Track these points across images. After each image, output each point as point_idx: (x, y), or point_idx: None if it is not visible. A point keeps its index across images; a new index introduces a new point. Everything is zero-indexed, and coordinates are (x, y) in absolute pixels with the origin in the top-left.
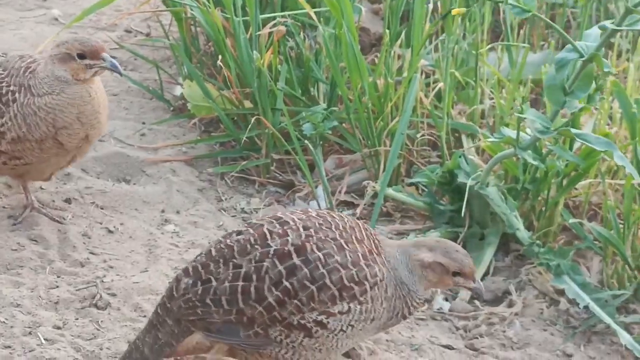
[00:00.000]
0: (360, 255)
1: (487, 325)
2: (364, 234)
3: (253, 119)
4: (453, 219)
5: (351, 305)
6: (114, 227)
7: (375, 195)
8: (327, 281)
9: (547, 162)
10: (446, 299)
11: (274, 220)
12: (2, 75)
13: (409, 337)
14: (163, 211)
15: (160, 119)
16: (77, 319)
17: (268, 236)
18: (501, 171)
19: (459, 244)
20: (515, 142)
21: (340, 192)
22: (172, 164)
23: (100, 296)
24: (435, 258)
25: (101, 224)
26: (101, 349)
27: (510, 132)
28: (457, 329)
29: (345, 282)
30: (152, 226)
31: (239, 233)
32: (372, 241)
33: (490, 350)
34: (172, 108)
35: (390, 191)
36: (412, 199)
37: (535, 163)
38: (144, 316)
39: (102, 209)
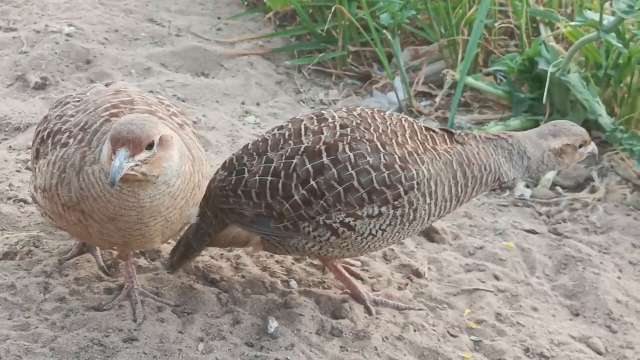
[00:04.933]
0: (397, 157)
1: (569, 211)
2: (413, 133)
3: (333, 9)
4: (533, 107)
5: (382, 209)
6: (197, 118)
7: (453, 85)
8: (355, 183)
9: (631, 47)
10: (527, 186)
11: (314, 117)
12: None
13: (492, 222)
14: (243, 103)
15: (235, 13)
16: None
17: (303, 132)
18: (582, 58)
19: None
20: (598, 24)
21: (417, 82)
22: (249, 58)
23: None
24: (563, 141)
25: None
26: None
27: (593, 15)
28: (540, 214)
29: (376, 185)
30: (233, 117)
31: (280, 128)
32: (423, 140)
33: (573, 234)
34: (246, 2)
35: (470, 80)
36: (491, 88)
37: (618, 46)
38: None
39: (183, 101)
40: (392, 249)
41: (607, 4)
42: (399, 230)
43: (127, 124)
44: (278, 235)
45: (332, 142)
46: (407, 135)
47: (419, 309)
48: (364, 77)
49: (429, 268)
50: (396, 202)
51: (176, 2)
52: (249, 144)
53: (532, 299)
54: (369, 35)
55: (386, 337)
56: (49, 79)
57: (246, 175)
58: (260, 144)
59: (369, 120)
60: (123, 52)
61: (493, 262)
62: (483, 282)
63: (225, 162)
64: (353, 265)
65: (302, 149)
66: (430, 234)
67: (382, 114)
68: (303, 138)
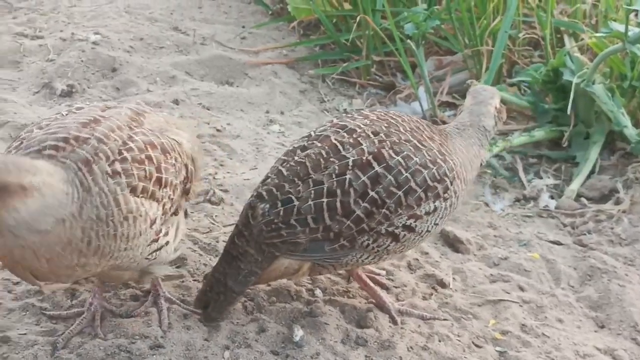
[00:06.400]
0: (436, 152)
1: (594, 222)
2: (430, 129)
3: (357, 18)
4: (557, 118)
5: (436, 203)
6: (222, 126)
7: None
8: (413, 184)
9: None
10: (552, 197)
11: (339, 130)
12: None
13: (516, 233)
14: (267, 112)
15: (260, 22)
16: (192, 212)
17: (340, 147)
18: (607, 69)
19: (564, 143)
20: (624, 35)
21: (441, 92)
22: (273, 67)
23: (214, 192)
24: (498, 99)
25: (209, 123)
26: (217, 242)
27: (618, 26)
28: (565, 225)
29: (429, 182)
30: (257, 126)
31: (304, 148)
32: (439, 134)
33: (598, 246)
34: (270, 12)
35: None
36: (516, 98)
37: None
38: None
39: (208, 109)
40: (417, 259)
41: (632, 15)
42: (445, 221)
43: None
44: (332, 256)
45: (376, 150)
46: (427, 130)
47: (444, 319)
48: (387, 86)
49: (453, 278)
50: (445, 195)
51: (201, 11)
52: (280, 170)
53: (557, 311)
54: (393, 45)
55: (411, 347)
56: (75, 86)
57: (296, 203)
58: (298, 168)
59: (392, 122)
60: (148, 60)
61: (518, 273)
62: (508, 292)
63: (261, 193)
64: (378, 274)
65: (350, 164)
66: (455, 244)
67: (393, 114)
68: (344, 153)
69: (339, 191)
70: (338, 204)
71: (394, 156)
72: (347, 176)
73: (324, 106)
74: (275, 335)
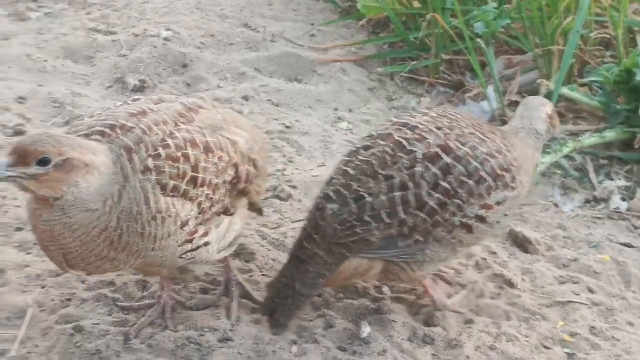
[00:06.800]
0: (499, 142)
1: None
2: (488, 126)
3: (427, 17)
4: (629, 119)
5: (505, 192)
6: (290, 123)
7: (548, 95)
8: (483, 173)
9: None
10: (623, 199)
11: (401, 127)
12: None
13: (586, 234)
14: (336, 109)
15: (329, 19)
16: None
17: (405, 143)
18: None
19: (636, 145)
20: None
21: (511, 92)
22: (342, 64)
23: (282, 188)
24: (550, 106)
25: (277, 120)
26: (285, 237)
27: None
28: (635, 227)
29: (498, 170)
30: (326, 123)
31: (367, 147)
32: (497, 131)
33: None
34: (339, 9)
35: (565, 90)
36: (587, 99)
37: None
38: None
39: (277, 106)
40: (485, 258)
41: None
42: (512, 213)
43: (29, 136)
44: (406, 252)
45: (443, 143)
46: (485, 126)
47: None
48: (456, 85)
49: (522, 279)
50: (513, 184)
51: (271, 8)
52: (346, 170)
53: (627, 314)
54: (463, 44)
55: (478, 347)
56: (147, 81)
57: (369, 199)
58: (365, 166)
59: (453, 118)
60: (218, 56)
61: (587, 275)
62: (577, 294)
63: (328, 194)
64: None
65: (419, 156)
66: (523, 245)
67: (452, 112)
68: (411, 147)
69: (410, 184)
70: (411, 197)
71: (461, 147)
72: (417, 168)
73: (392, 104)
74: (342, 331)
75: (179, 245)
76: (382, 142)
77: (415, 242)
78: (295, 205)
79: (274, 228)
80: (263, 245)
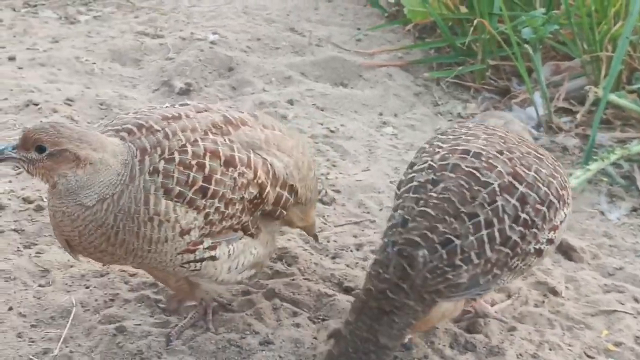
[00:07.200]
0: (551, 160)
1: None
2: (517, 135)
3: (474, 22)
4: None
5: (565, 210)
6: (335, 127)
7: (595, 101)
8: (551, 197)
9: None
10: None
11: (464, 155)
12: None
13: (633, 243)
14: (381, 114)
15: (375, 24)
16: None
17: (477, 174)
18: None
19: None
20: None
21: (558, 98)
22: (387, 69)
23: (326, 192)
24: None
25: (322, 124)
26: (328, 242)
27: None
28: None
29: (560, 190)
30: (371, 128)
31: (435, 182)
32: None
33: None
34: (386, 14)
35: (613, 97)
36: (635, 106)
37: None
38: (367, 212)
39: (322, 110)
40: None
41: None
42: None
43: (39, 124)
44: (485, 288)
45: (512, 170)
46: (524, 137)
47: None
48: (502, 91)
49: (566, 287)
50: (568, 200)
51: (317, 12)
52: (424, 210)
53: None
54: (510, 49)
55: (521, 355)
56: (193, 85)
57: (457, 242)
58: (445, 204)
59: (501, 135)
60: (264, 60)
61: (633, 284)
62: (622, 303)
63: (413, 239)
64: None
65: (497, 189)
66: (568, 252)
67: (487, 127)
68: (485, 179)
69: (495, 220)
70: (496, 233)
71: (528, 172)
72: (499, 202)
73: (437, 109)
74: None
75: (179, 254)
76: (453, 175)
77: (494, 276)
78: (339, 210)
79: (317, 232)
80: (305, 249)
